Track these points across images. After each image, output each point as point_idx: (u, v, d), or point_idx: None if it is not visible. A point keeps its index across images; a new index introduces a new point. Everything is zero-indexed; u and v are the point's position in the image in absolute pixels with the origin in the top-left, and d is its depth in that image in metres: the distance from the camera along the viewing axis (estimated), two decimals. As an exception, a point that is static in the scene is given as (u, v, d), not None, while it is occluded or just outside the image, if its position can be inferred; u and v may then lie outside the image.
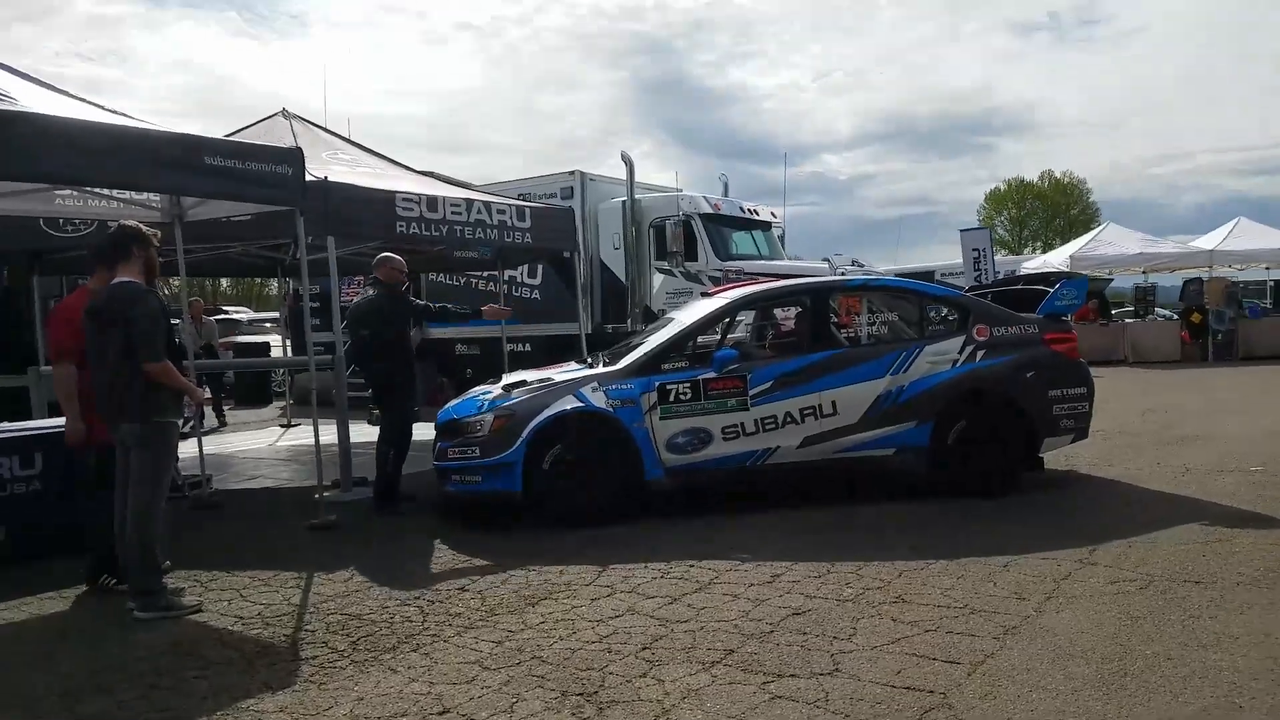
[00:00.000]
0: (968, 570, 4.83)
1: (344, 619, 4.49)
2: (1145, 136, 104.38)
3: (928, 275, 22.02)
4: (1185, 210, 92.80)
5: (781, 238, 16.45)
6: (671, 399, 6.39)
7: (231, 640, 4.28)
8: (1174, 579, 4.51)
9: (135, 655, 4.09)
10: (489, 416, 6.36)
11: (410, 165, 9.57)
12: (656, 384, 6.40)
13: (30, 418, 7.54)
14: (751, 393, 6.44)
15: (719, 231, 14.44)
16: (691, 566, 5.13)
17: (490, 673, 3.75)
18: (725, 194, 15.77)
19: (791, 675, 3.59)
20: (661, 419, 6.37)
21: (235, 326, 21.71)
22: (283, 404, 14.97)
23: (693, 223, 14.02)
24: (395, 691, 3.59)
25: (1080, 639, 3.79)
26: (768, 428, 6.45)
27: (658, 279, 14.39)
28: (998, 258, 22.24)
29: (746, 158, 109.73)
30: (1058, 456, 7.18)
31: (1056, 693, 3.30)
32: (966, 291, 8.40)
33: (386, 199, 7.60)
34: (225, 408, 15.39)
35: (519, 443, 6.19)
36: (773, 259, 15.16)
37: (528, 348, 14.76)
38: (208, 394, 10.72)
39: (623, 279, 14.41)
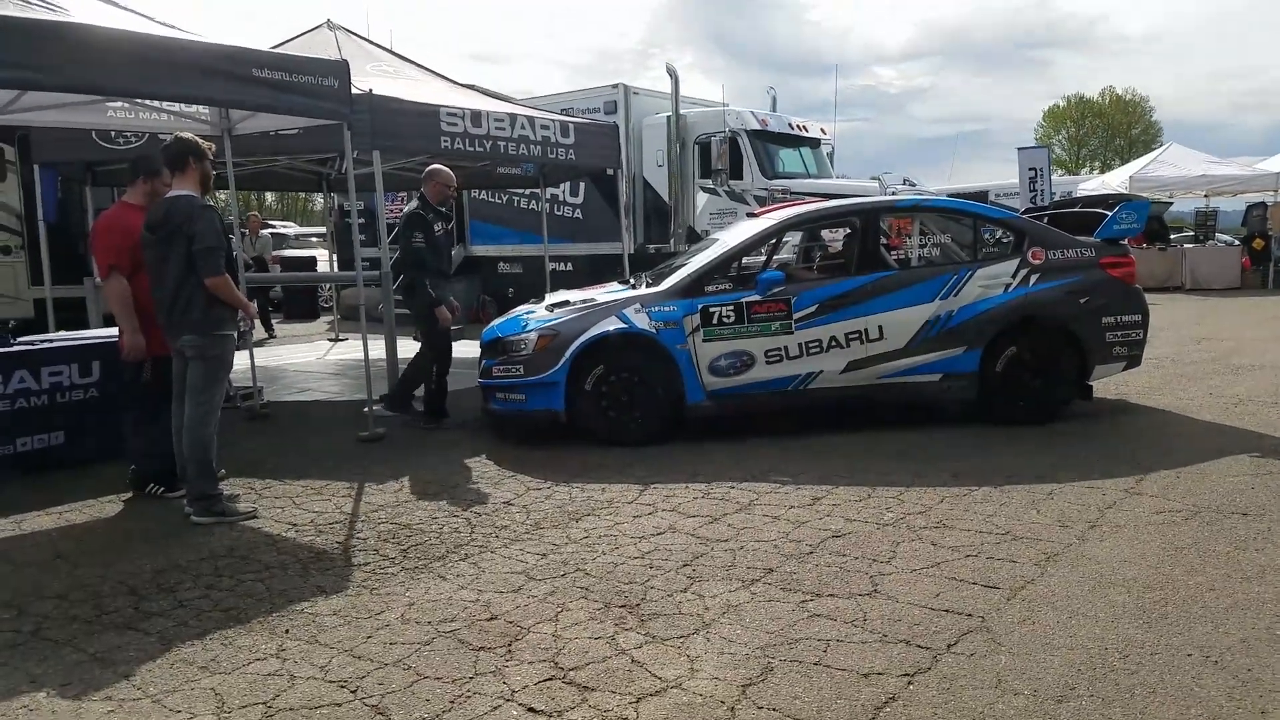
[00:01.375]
0: (1010, 497, 4.82)
1: (394, 528, 4.63)
2: (1212, 52, 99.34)
3: (981, 195, 21.43)
4: (1253, 130, 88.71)
5: (831, 155, 16.06)
6: (715, 321, 6.34)
7: (286, 546, 4.44)
8: (1221, 510, 4.46)
9: (195, 558, 4.27)
10: (533, 335, 6.39)
11: (452, 78, 9.43)
12: (700, 306, 6.35)
13: (88, 327, 7.75)
14: (796, 316, 6.38)
15: (766, 149, 14.13)
16: (732, 488, 5.18)
17: (536, 583, 3.86)
18: (773, 109, 15.38)
19: (830, 595, 3.65)
20: (705, 341, 6.34)
21: (283, 241, 21.94)
22: (330, 318, 15.19)
23: (739, 139, 13.73)
24: (445, 598, 3.71)
25: (1123, 568, 3.78)
26: (811, 351, 6.40)
27: (701, 198, 14.17)
28: (1054, 178, 21.53)
29: (795, 71, 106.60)
30: (1108, 385, 7.07)
31: (1096, 620, 3.31)
32: (1022, 213, 8.17)
33: (431, 112, 7.53)
34: (274, 321, 15.69)
35: (563, 362, 6.22)
36: (821, 177, 14.83)
37: (569, 267, 14.73)
38: (256, 307, 10.90)
39: (666, 198, 14.21)
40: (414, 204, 7.16)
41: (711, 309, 6.36)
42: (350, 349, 11.85)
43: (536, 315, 6.67)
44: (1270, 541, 4.00)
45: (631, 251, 12.04)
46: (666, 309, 6.38)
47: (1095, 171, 46.33)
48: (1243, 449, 5.58)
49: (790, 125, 14.70)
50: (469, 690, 2.96)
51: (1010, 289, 6.50)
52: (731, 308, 6.36)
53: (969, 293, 6.47)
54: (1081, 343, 6.52)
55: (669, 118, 13.85)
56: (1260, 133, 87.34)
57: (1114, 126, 62.78)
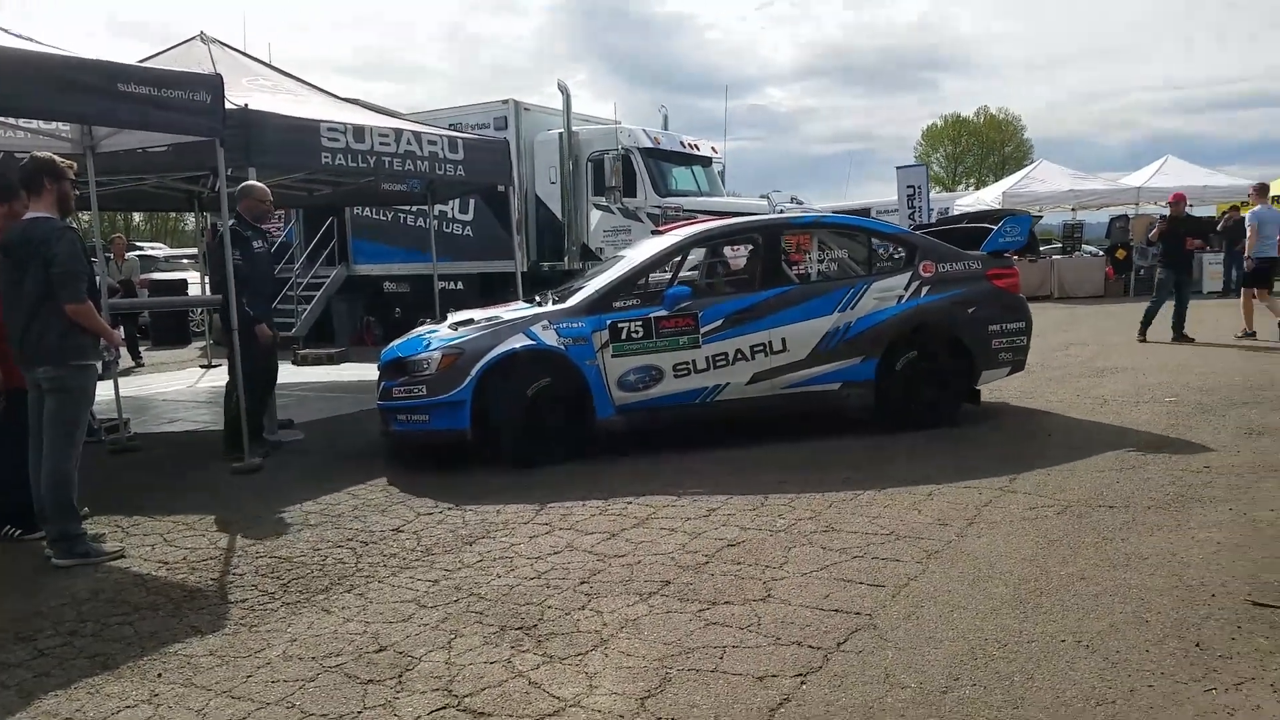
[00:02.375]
0: (894, 499, 4.96)
1: (274, 562, 4.43)
2: (1080, 74, 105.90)
3: (864, 212, 22.20)
4: (1116, 148, 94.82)
5: (722, 174, 16.35)
6: (623, 337, 6.36)
7: (156, 585, 4.20)
8: (1089, 504, 4.70)
9: (57, 603, 3.99)
10: (436, 354, 6.26)
11: (334, 92, 9.21)
12: (608, 322, 6.36)
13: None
14: (703, 330, 6.46)
15: (658, 166, 14.28)
16: (630, 503, 5.18)
17: (427, 610, 3.75)
18: (665, 127, 15.57)
19: (726, 603, 3.67)
20: (614, 357, 6.35)
21: (152, 264, 20.92)
22: (202, 344, 14.54)
23: (632, 157, 13.82)
24: (330, 631, 3.57)
25: (999, 562, 3.94)
26: (718, 365, 6.49)
27: (595, 215, 14.21)
28: (932, 195, 22.50)
29: (687, 90, 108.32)
30: (987, 390, 7.38)
31: (976, 612, 3.44)
32: (914, 229, 8.44)
33: (311, 128, 7.31)
34: (141, 348, 14.93)
35: (468, 381, 6.11)
36: (712, 195, 15.08)
37: (459, 285, 14.54)
38: (122, 334, 10.37)
39: (559, 215, 14.21)
40: (231, 221, 6.80)
41: (620, 325, 6.37)
42: (224, 376, 11.33)
43: (440, 334, 6.55)
44: (1134, 531, 4.23)
45: (524, 270, 11.96)
46: (574, 325, 6.36)
47: (971, 188, 48.61)
48: (1107, 446, 5.90)
49: (682, 144, 14.91)
50: (356, 724, 2.84)
51: (903, 300, 6.75)
52: (640, 323, 6.40)
53: (865, 305, 6.69)
54: (969, 350, 6.81)
55: (561, 134, 13.88)
56: (1122, 149, 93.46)
57: (988, 144, 66.10)
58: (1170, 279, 11.36)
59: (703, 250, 7.86)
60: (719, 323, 6.49)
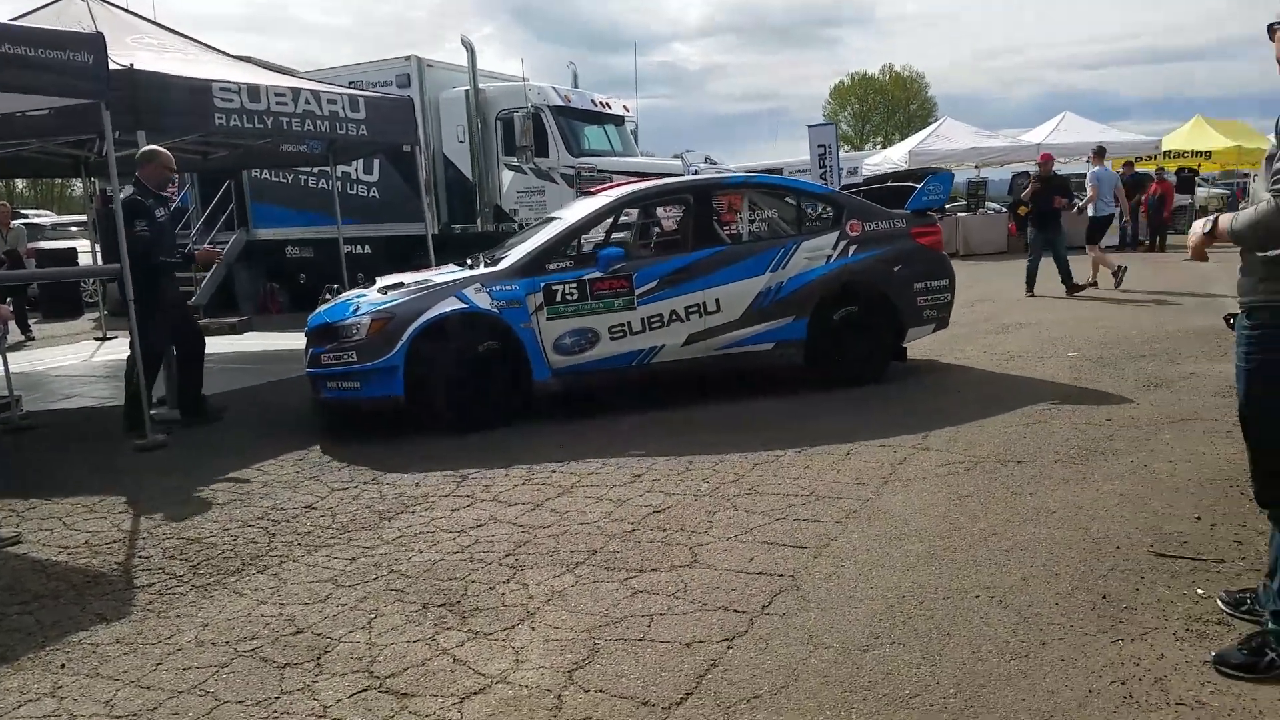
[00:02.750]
0: (814, 460, 5.05)
1: (182, 544, 4.25)
2: (981, 31, 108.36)
3: (776, 172, 22.39)
4: (1018, 104, 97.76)
5: (635, 133, 16.19)
6: (558, 299, 6.31)
7: (57, 571, 3.99)
8: (999, 459, 4.85)
9: (-56, 597, 3.75)
10: (365, 319, 6.12)
11: (226, 50, 8.74)
12: (542, 284, 6.31)
13: None
14: (638, 292, 6.46)
15: (570, 125, 14.03)
16: (554, 471, 5.14)
17: (345, 590, 3.65)
18: (575, 85, 15.30)
19: (653, 570, 3.68)
20: (549, 319, 6.30)
21: (39, 232, 19.71)
22: (96, 315, 13.80)
23: (543, 115, 13.53)
24: (243, 614, 3.44)
25: (914, 519, 4.04)
26: (654, 326, 6.50)
27: (507, 176, 13.93)
28: (842, 153, 22.75)
29: (595, 46, 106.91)
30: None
31: (893, 569, 3.52)
32: (841, 189, 8.54)
33: (202, 88, 6.94)
34: (31, 321, 14.12)
35: (399, 346, 5.99)
36: (626, 155, 14.91)
37: (366, 249, 14.14)
38: (10, 307, 9.76)
39: (469, 175, 13.87)
40: (130, 190, 6.44)
41: (554, 287, 6.32)
42: (121, 348, 10.79)
43: (369, 299, 6.39)
44: (1042, 485, 4.38)
45: (435, 232, 11.67)
46: (508, 288, 6.27)
47: (879, 146, 49.45)
48: (1016, 402, 6.07)
49: (593, 102, 14.68)
50: (275, 711, 2.76)
51: (831, 260, 6.83)
52: (574, 285, 6.35)
53: (796, 264, 6.74)
54: (896, 307, 6.92)
55: (467, 92, 13.50)
56: (1024, 106, 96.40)
57: (894, 103, 67.24)
58: (1040, 238, 11.97)
59: (636, 212, 7.81)
60: (654, 284, 6.49)
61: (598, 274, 6.40)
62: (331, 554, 4.05)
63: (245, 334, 12.25)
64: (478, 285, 6.29)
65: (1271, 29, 2.57)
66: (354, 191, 14.06)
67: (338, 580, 3.75)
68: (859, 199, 7.42)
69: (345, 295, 6.94)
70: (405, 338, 6.00)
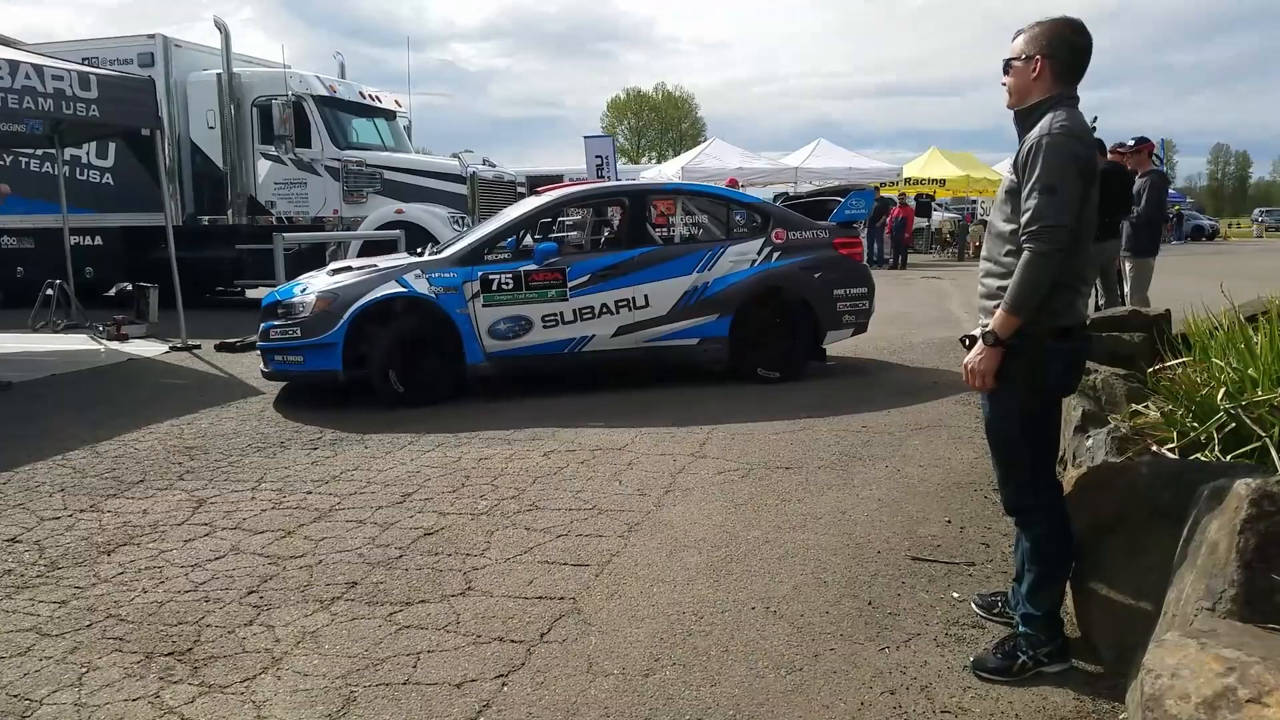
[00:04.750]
0: (595, 471, 4.94)
1: None
2: (749, 58, 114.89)
3: (557, 179, 22.36)
4: (779, 128, 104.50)
5: (408, 129, 15.60)
6: (494, 288, 6.77)
7: None
8: (769, 466, 4.96)
9: None
10: (311, 298, 6.64)
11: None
12: (479, 274, 6.76)
13: None
14: (571, 284, 6.90)
15: (336, 117, 13.29)
16: (309, 494, 4.69)
17: (51, 640, 3.11)
18: (342, 75, 14.51)
19: (421, 601, 3.39)
20: (485, 306, 6.75)
21: None
22: None
23: (305, 104, 12.74)
24: (-91, 684, 2.82)
25: (693, 529, 4.02)
26: (585, 317, 6.93)
27: (264, 166, 12.96)
28: (620, 166, 23.14)
29: (367, 39, 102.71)
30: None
31: (673, 584, 3.46)
32: (774, 200, 9.32)
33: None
34: None
35: (340, 324, 6.49)
36: (399, 151, 14.37)
37: (98, 241, 12.64)
38: None
39: (220, 164, 12.76)
40: None
41: (491, 276, 6.78)
42: None
43: (317, 280, 6.95)
44: (809, 491, 4.51)
45: (179, 223, 10.60)
46: (446, 275, 6.74)
47: (654, 161, 50.95)
48: (781, 412, 6.24)
49: (362, 94, 14.00)
50: (-59, 810, 2.24)
51: (756, 264, 7.25)
52: (510, 275, 6.81)
53: (722, 266, 7.18)
54: (815, 311, 7.30)
55: (220, 75, 12.42)
56: (785, 130, 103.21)
57: (667, 120, 69.69)
58: None
59: (575, 212, 8.68)
60: (586, 278, 6.94)
61: (533, 266, 6.82)
62: (36, 597, 3.44)
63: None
64: (418, 271, 6.75)
65: (1007, 64, 2.73)
66: (84, 177, 12.56)
67: (42, 629, 3.18)
68: (785, 209, 8.02)
69: (299, 278, 7.41)
70: (346, 317, 6.50)
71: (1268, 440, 2.71)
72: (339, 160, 12.87)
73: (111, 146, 12.34)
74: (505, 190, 14.11)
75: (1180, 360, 3.70)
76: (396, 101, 15.01)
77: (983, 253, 2.84)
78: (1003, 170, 27.76)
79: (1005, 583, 3.27)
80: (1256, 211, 63.54)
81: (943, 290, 15.04)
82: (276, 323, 6.71)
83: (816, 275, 7.32)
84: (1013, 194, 2.65)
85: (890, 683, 2.72)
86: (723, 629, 3.10)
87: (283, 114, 12.40)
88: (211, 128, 12.72)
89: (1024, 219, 2.55)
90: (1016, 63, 2.70)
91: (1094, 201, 2.61)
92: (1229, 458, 2.81)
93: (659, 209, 8.35)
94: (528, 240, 7.28)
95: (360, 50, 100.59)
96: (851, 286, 7.46)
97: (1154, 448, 3.03)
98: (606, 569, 3.63)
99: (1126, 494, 2.70)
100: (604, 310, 6.95)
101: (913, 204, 24.16)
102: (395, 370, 6.60)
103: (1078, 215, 2.54)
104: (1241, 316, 3.66)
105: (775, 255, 7.28)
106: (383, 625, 3.20)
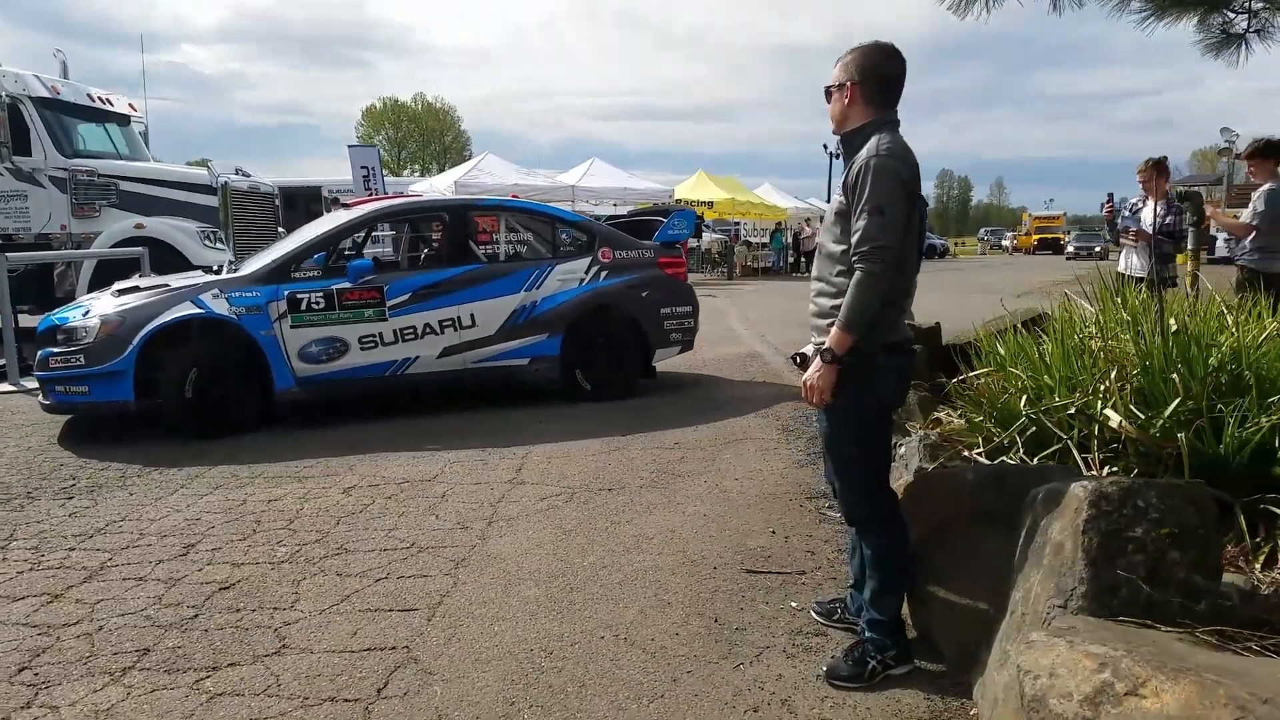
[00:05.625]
0: (407, 506, 4.67)
1: None
2: (513, 73, 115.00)
3: (315, 190, 21.19)
4: (545, 145, 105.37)
5: (145, 135, 14.18)
6: (304, 308, 6.36)
7: None
8: (591, 488, 4.91)
9: None
10: (94, 322, 6.09)
11: None
12: (286, 292, 6.34)
13: None
14: (390, 303, 6.57)
15: (60, 121, 11.82)
16: (73, 550, 4.09)
17: None
18: (64, 76, 12.92)
19: (230, 665, 3.04)
20: (293, 327, 6.33)
21: None
22: None
23: (21, 107, 11.23)
24: None
25: (526, 560, 3.90)
26: (406, 338, 6.63)
27: (-26, 176, 11.28)
28: (386, 178, 22.27)
29: (84, 38, 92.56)
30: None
31: (515, 620, 3.33)
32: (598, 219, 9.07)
33: None
34: None
35: (129, 350, 5.98)
36: (135, 159, 13.01)
37: None
38: None
39: (-81, 173, 10.98)
40: None
41: (299, 295, 6.36)
42: None
43: (101, 302, 6.36)
44: (636, 512, 4.51)
45: None
46: (248, 295, 6.29)
47: (417, 174, 49.58)
48: (592, 432, 6.18)
49: (90, 96, 12.56)
50: None
51: (584, 283, 7.21)
52: (321, 294, 6.41)
53: (550, 285, 7.08)
54: (644, 330, 7.36)
55: (-87, 71, 10.69)
56: (549, 147, 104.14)
57: (428, 132, 68.12)
58: None
59: (391, 227, 8.43)
60: (406, 297, 6.62)
61: (347, 285, 6.45)
62: None
63: None
64: (216, 291, 6.26)
65: (827, 91, 2.87)
66: None
67: None
68: (610, 228, 7.91)
69: (80, 300, 6.89)
70: (135, 342, 5.99)
71: (1069, 441, 3.03)
72: (65, 170, 11.45)
73: None
74: (263, 202, 13.18)
75: (983, 370, 4.03)
76: (130, 105, 13.60)
77: (814, 272, 2.94)
78: (766, 195, 29.33)
79: (837, 588, 3.43)
80: (982, 230, 72.69)
81: (719, 308, 15.74)
82: (56, 350, 6.10)
83: (644, 294, 7.38)
84: (842, 215, 2.75)
85: (752, 699, 2.75)
86: (575, 662, 3.01)
87: (-3, 118, 10.86)
88: (-94, 132, 10.92)
89: (854, 239, 2.66)
90: (833, 89, 2.82)
91: (917, 222, 2.76)
92: (1035, 460, 3.12)
93: (481, 225, 8.08)
94: (351, 253, 6.99)
95: (79, 51, 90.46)
96: (678, 305, 7.57)
97: (965, 453, 3.30)
98: (439, 611, 3.43)
99: (953, 499, 2.92)
100: (427, 330, 6.68)
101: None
102: (192, 399, 6.10)
103: (903, 236, 2.67)
104: (1021, 328, 4.08)
105: (603, 274, 7.28)
106: (190, 695, 2.84)
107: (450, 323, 6.76)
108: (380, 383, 6.67)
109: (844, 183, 2.76)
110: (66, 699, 2.81)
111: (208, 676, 2.96)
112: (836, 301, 2.73)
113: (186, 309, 6.14)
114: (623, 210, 17.46)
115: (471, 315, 6.81)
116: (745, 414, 6.72)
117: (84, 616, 3.40)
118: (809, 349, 2.87)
